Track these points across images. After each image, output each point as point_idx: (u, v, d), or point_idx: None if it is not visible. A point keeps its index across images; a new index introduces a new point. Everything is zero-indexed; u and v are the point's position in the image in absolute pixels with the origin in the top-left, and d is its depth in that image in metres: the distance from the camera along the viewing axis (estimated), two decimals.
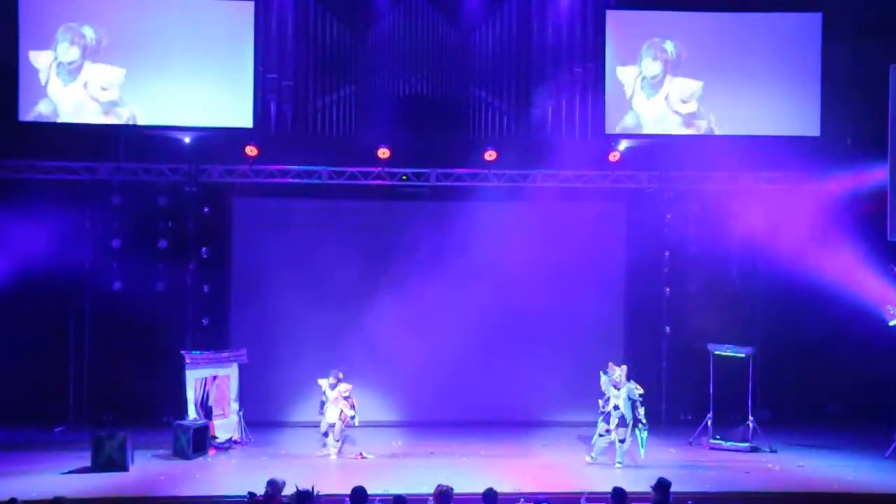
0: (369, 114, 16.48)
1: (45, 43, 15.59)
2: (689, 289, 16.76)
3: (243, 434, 15.36)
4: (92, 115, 15.74)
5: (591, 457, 14.08)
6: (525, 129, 16.71)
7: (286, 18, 16.38)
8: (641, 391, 13.95)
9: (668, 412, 16.79)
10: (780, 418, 16.66)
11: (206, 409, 15.08)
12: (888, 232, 14.75)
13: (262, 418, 16.09)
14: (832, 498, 12.33)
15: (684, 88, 16.37)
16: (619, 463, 13.77)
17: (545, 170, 16.56)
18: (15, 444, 14.89)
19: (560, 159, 16.23)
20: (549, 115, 16.63)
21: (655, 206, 16.93)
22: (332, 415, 14.40)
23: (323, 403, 14.50)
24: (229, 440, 15.10)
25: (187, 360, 14.92)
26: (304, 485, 9.42)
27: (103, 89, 15.72)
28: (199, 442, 14.24)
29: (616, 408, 13.88)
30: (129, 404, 16.24)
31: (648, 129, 16.40)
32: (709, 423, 15.28)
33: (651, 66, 16.36)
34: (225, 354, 15.67)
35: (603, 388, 14.09)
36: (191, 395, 14.88)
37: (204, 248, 16.39)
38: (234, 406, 15.53)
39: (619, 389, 13.92)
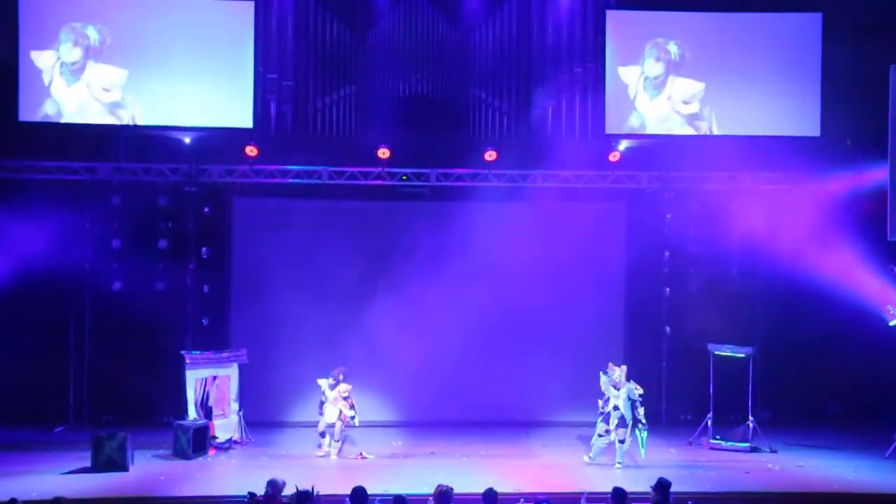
0: (369, 114, 16.50)
1: (48, 42, 15.59)
2: (689, 289, 16.76)
3: (243, 434, 15.36)
4: (95, 116, 15.75)
5: (590, 457, 14.07)
6: (525, 129, 16.72)
7: (286, 18, 16.39)
8: (641, 391, 13.94)
9: (668, 412, 16.79)
10: (780, 418, 16.65)
11: (206, 409, 15.08)
12: (888, 232, 14.75)
13: (262, 418, 16.10)
14: (832, 498, 12.33)
15: (686, 89, 16.38)
16: (619, 463, 13.77)
17: (545, 170, 16.56)
18: (15, 444, 14.89)
19: (560, 159, 16.23)
20: (549, 116, 16.64)
21: (655, 206, 16.93)
22: (330, 415, 14.40)
23: (322, 403, 14.50)
24: (229, 440, 15.10)
25: (187, 360, 14.93)
26: (304, 485, 9.42)
27: (105, 90, 15.74)
28: (199, 442, 14.23)
29: (616, 408, 13.88)
30: (129, 404, 16.24)
31: (652, 129, 16.41)
32: (709, 423, 15.28)
33: (653, 67, 16.36)
34: (225, 354, 15.67)
35: (603, 389, 14.09)
36: (191, 396, 14.88)
37: (204, 248, 16.39)
38: (234, 406, 15.53)
39: (618, 390, 13.91)
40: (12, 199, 15.73)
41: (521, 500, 10.06)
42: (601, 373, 14.15)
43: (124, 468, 13.24)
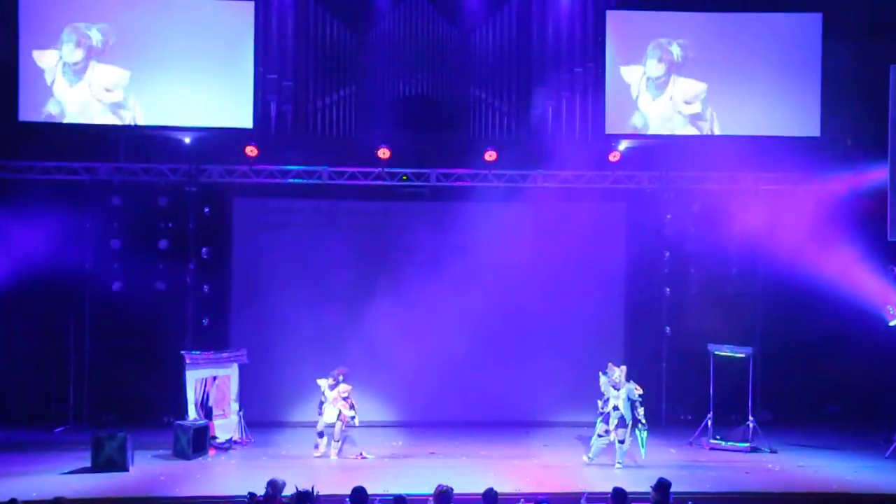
0: (369, 114, 16.52)
1: (50, 42, 15.59)
2: (690, 289, 16.76)
3: (243, 434, 15.36)
4: (97, 116, 15.75)
5: (589, 457, 14.06)
6: (525, 129, 16.73)
7: (286, 19, 16.41)
8: (641, 392, 13.93)
9: (668, 412, 16.79)
10: (780, 418, 16.64)
11: (206, 409, 15.08)
12: (888, 232, 14.78)
13: (262, 418, 16.10)
14: (832, 498, 12.33)
15: (688, 89, 16.37)
16: (619, 463, 13.77)
17: (545, 170, 16.56)
18: (15, 444, 14.88)
19: (560, 160, 16.24)
20: (549, 116, 16.65)
21: (655, 206, 16.93)
22: (330, 415, 14.39)
23: (322, 403, 14.50)
24: (229, 440, 15.10)
25: (187, 361, 14.93)
26: (304, 485, 9.41)
27: (108, 90, 15.74)
28: (199, 442, 14.23)
29: (615, 408, 13.87)
30: (129, 404, 16.26)
31: (655, 129, 16.40)
32: (709, 423, 15.28)
33: (655, 67, 16.36)
34: (225, 355, 15.67)
35: (602, 389, 14.07)
36: (191, 396, 14.88)
37: (204, 249, 16.39)
38: (234, 406, 15.53)
39: (618, 390, 13.90)
40: (12, 199, 15.73)
41: (521, 500, 10.08)
42: (601, 373, 14.14)
43: (124, 468, 13.24)
